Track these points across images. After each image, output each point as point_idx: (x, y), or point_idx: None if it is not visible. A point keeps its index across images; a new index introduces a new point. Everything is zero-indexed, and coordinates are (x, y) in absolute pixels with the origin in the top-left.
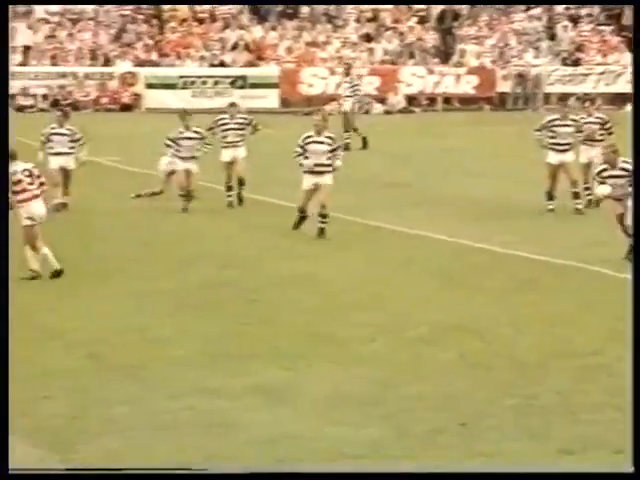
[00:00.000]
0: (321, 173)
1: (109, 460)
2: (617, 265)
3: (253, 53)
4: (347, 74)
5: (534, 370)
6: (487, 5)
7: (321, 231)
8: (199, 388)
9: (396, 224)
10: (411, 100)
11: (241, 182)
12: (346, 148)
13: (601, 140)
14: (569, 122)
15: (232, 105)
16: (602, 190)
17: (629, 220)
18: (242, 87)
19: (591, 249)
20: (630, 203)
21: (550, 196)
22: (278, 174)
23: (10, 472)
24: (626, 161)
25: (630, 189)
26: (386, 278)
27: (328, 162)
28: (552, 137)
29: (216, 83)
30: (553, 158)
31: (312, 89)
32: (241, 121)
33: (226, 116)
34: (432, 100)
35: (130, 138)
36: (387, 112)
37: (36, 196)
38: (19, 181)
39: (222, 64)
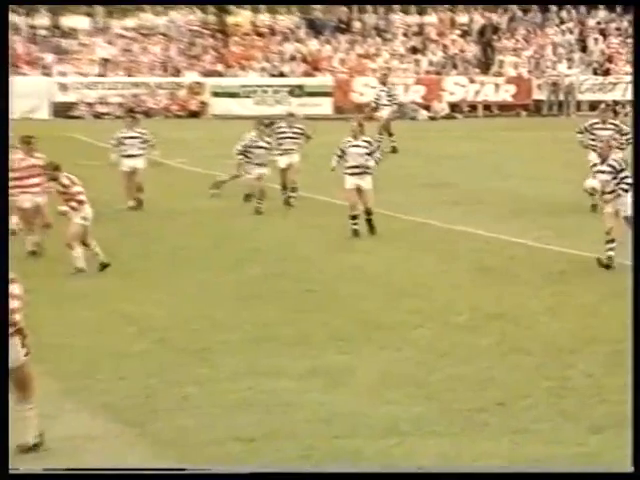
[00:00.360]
0: (360, 174)
1: (180, 435)
2: None
3: (309, 64)
4: (384, 83)
5: (567, 355)
6: (523, 19)
7: (370, 227)
8: (261, 370)
9: (439, 220)
10: (454, 107)
11: (293, 189)
12: (393, 151)
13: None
14: (609, 126)
15: (290, 115)
16: (589, 183)
17: (628, 212)
18: (299, 95)
19: (617, 243)
20: (621, 200)
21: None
22: (331, 175)
23: (10, 472)
24: (615, 159)
25: (613, 186)
26: (430, 270)
27: (366, 163)
28: (592, 139)
29: (275, 92)
30: (595, 158)
31: (363, 97)
32: (297, 130)
33: (284, 125)
34: (473, 107)
35: (197, 142)
36: (431, 118)
37: (83, 202)
38: (73, 191)
39: (281, 74)
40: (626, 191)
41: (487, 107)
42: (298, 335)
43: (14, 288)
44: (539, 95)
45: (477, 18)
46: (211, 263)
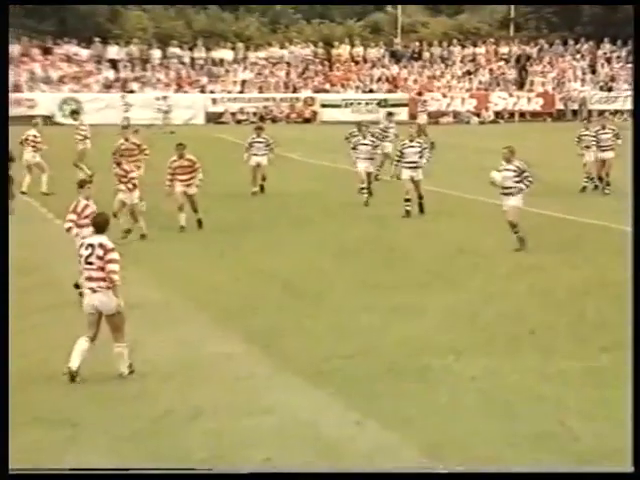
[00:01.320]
0: (414, 168)
1: (297, 353)
2: None
3: (391, 83)
4: (420, 94)
5: (581, 295)
6: (549, 50)
7: (421, 209)
8: (359, 307)
9: (485, 197)
10: (497, 114)
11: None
12: (432, 147)
13: (611, 145)
14: (608, 130)
15: (389, 114)
16: (493, 175)
17: (510, 216)
18: (384, 106)
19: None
20: (513, 202)
21: (595, 179)
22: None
23: (10, 472)
24: (517, 163)
25: (515, 184)
26: (478, 233)
27: (418, 160)
28: (595, 141)
29: (367, 104)
30: (595, 156)
31: (431, 108)
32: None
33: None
34: (511, 114)
35: (309, 141)
36: (481, 122)
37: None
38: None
39: (370, 91)
40: (527, 186)
41: (522, 115)
42: (385, 281)
43: (115, 255)
44: (560, 106)
45: (514, 49)
46: (320, 228)
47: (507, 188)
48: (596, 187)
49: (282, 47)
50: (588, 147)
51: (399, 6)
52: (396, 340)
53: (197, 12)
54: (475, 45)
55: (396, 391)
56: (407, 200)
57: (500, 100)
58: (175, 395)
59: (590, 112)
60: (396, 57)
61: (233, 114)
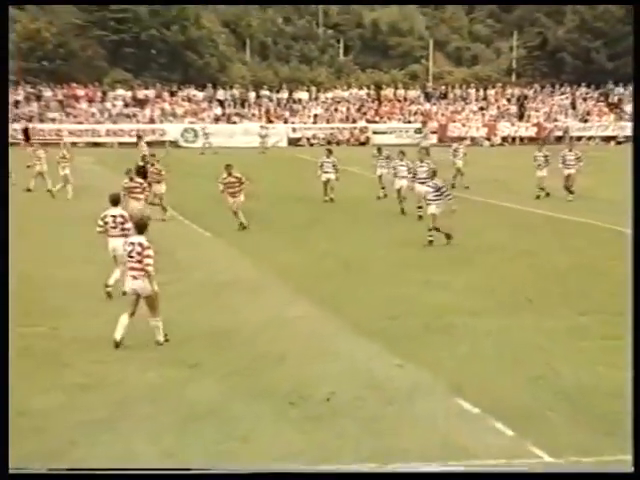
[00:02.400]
0: (422, 183)
1: (361, 314)
2: None
3: (424, 116)
4: (425, 124)
5: (567, 273)
6: (542, 92)
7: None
8: (406, 280)
9: (495, 200)
10: (503, 139)
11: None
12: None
13: (575, 164)
14: (573, 153)
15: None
16: (417, 188)
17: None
18: (419, 133)
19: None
20: (434, 210)
21: (569, 190)
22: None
23: (10, 472)
24: (436, 182)
25: (433, 197)
26: (487, 225)
27: (426, 176)
28: (563, 162)
29: (406, 131)
30: (565, 172)
31: (454, 134)
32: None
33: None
34: (514, 139)
35: (365, 159)
36: (491, 145)
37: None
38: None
39: (409, 122)
40: (446, 196)
41: (521, 139)
42: (419, 263)
43: (150, 251)
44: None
45: (516, 91)
46: (372, 223)
47: (430, 200)
48: (547, 195)
49: (344, 90)
50: (540, 165)
51: (431, 59)
52: (428, 305)
53: (282, 64)
54: (486, 88)
55: (428, 343)
56: (419, 207)
57: (505, 128)
58: (266, 344)
59: (571, 138)
60: (428, 97)
61: (308, 139)
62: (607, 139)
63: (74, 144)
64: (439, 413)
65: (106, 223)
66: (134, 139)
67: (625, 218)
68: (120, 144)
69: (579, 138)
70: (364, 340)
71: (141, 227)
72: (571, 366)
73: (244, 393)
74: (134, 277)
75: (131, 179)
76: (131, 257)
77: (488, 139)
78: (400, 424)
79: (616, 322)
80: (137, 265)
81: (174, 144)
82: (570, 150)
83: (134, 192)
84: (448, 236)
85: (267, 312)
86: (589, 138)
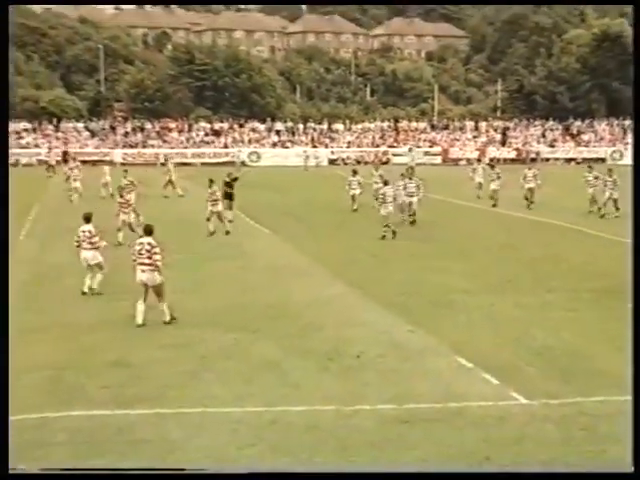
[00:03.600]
0: (411, 196)
1: (393, 296)
2: None
3: (431, 142)
4: (411, 150)
5: (545, 262)
6: (520, 125)
7: (413, 221)
8: (418, 266)
9: (486, 206)
10: (491, 160)
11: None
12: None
13: (534, 178)
14: (533, 171)
15: (411, 168)
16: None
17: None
18: (427, 155)
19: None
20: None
21: (529, 200)
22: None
23: (10, 472)
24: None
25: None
26: (482, 227)
27: (415, 191)
28: (524, 177)
29: (417, 153)
30: (527, 185)
31: (453, 156)
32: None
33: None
34: (499, 160)
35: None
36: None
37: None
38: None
39: (418, 146)
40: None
41: (505, 160)
42: (428, 254)
43: (157, 249)
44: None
45: (500, 124)
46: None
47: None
48: (532, 203)
49: (370, 122)
50: (492, 180)
51: (436, 99)
52: (434, 285)
53: (323, 103)
54: (478, 121)
55: (434, 314)
56: (411, 215)
57: (492, 152)
58: (310, 315)
59: (540, 159)
60: (434, 127)
61: (343, 159)
62: (568, 160)
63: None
64: (443, 367)
65: (79, 237)
66: (213, 160)
67: (580, 219)
68: (202, 164)
69: (547, 159)
70: (384, 312)
71: (148, 230)
72: (542, 331)
73: (294, 352)
74: (143, 270)
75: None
76: (141, 254)
77: (479, 160)
78: (413, 375)
79: (574, 298)
80: (147, 260)
81: (243, 164)
82: (529, 169)
83: (214, 200)
84: (394, 232)
85: (311, 290)
86: (555, 159)
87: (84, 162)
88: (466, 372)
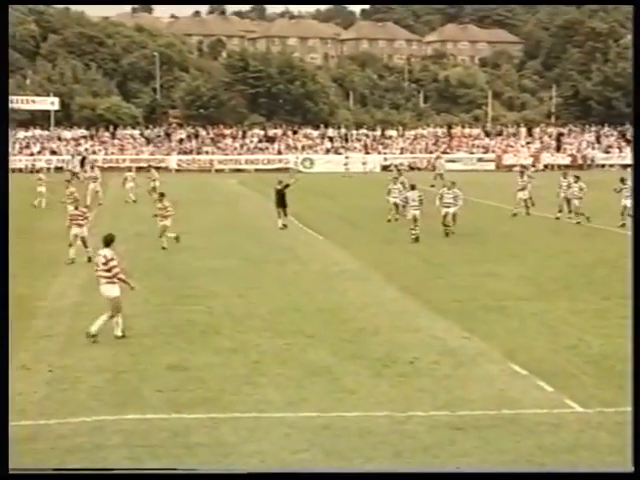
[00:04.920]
0: (448, 206)
1: (437, 297)
2: None
3: (484, 149)
4: (438, 158)
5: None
6: (574, 129)
7: (447, 232)
8: (471, 272)
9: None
10: (545, 166)
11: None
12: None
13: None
14: (568, 178)
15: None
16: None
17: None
18: (482, 161)
19: None
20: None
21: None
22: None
23: (10, 472)
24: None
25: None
26: (539, 230)
27: (452, 202)
28: (559, 187)
29: (471, 160)
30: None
31: (507, 162)
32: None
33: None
34: (553, 166)
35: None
36: (536, 171)
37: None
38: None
39: (472, 152)
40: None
41: (559, 166)
42: (481, 258)
43: (114, 261)
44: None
45: (555, 130)
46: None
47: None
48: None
49: (423, 129)
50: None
51: (489, 105)
52: (487, 291)
53: (377, 110)
54: (531, 128)
55: (487, 320)
56: (446, 225)
57: (547, 158)
58: (365, 320)
59: (596, 165)
60: (487, 134)
61: (395, 165)
62: (624, 166)
63: (221, 170)
64: (496, 374)
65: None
66: (267, 166)
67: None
68: (256, 170)
69: (603, 165)
70: (438, 317)
71: (107, 241)
72: (597, 339)
73: (348, 357)
74: (101, 283)
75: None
76: (98, 267)
77: (533, 165)
78: (466, 382)
79: (630, 305)
80: (106, 274)
81: (294, 170)
82: (565, 177)
83: (165, 215)
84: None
85: (365, 295)
86: (610, 165)
87: (139, 169)
88: (520, 379)
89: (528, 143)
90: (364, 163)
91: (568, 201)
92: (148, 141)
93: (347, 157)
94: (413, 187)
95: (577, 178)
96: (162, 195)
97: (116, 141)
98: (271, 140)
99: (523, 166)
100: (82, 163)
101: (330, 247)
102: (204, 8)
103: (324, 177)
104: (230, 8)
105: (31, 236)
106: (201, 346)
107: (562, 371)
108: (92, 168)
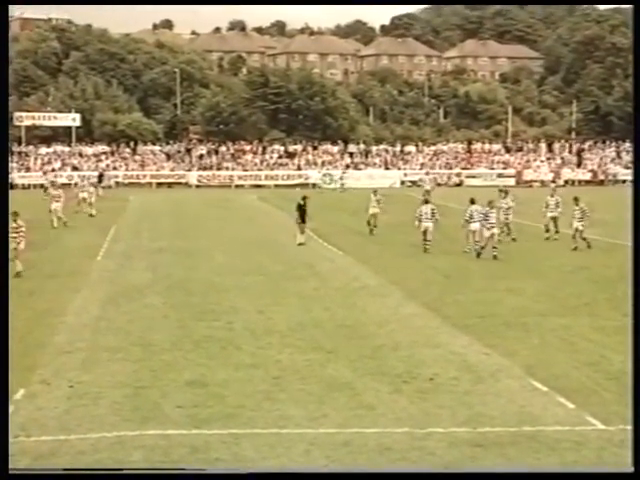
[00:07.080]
0: (475, 222)
1: (459, 312)
2: None
3: (504, 164)
4: (427, 174)
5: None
6: (595, 145)
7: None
8: (492, 287)
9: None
10: (566, 182)
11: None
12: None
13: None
14: (555, 197)
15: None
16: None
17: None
18: (501, 177)
19: None
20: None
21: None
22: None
23: (10, 472)
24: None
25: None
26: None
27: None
28: (547, 205)
29: (491, 175)
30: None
31: (527, 177)
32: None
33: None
34: (573, 182)
35: (459, 196)
36: (557, 186)
37: None
38: None
39: (492, 168)
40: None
41: (580, 182)
42: (502, 274)
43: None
44: (601, 177)
45: (575, 146)
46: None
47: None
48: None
49: (443, 144)
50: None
51: (510, 121)
52: (508, 307)
53: (396, 126)
54: (552, 143)
55: (507, 336)
56: (477, 241)
57: (567, 173)
58: (385, 335)
59: (617, 181)
60: (507, 150)
61: (414, 182)
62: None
63: (241, 186)
64: (516, 390)
65: None
66: (287, 182)
67: None
68: (275, 186)
69: (624, 181)
70: (459, 333)
71: None
72: (618, 355)
73: (369, 372)
74: None
75: None
76: None
77: (554, 181)
78: (487, 398)
79: None
80: None
81: (315, 185)
82: (552, 196)
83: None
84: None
85: (385, 311)
86: (632, 181)
87: (160, 184)
88: (541, 395)
89: (548, 159)
90: (386, 177)
91: (554, 220)
92: (168, 157)
93: (344, 172)
94: (427, 201)
95: (576, 200)
96: (16, 214)
97: (137, 157)
98: (291, 156)
99: (554, 182)
100: (100, 179)
101: (350, 263)
102: (224, 24)
103: (344, 192)
104: (250, 24)
105: (52, 251)
106: (221, 362)
107: (583, 387)
108: (53, 186)
